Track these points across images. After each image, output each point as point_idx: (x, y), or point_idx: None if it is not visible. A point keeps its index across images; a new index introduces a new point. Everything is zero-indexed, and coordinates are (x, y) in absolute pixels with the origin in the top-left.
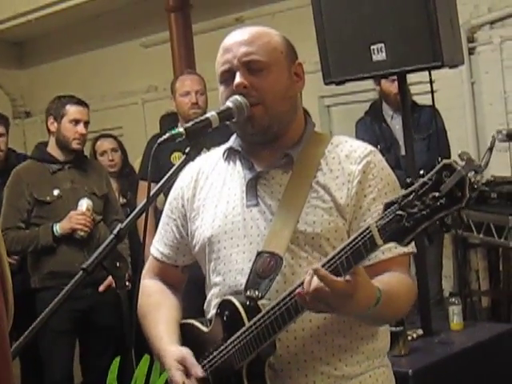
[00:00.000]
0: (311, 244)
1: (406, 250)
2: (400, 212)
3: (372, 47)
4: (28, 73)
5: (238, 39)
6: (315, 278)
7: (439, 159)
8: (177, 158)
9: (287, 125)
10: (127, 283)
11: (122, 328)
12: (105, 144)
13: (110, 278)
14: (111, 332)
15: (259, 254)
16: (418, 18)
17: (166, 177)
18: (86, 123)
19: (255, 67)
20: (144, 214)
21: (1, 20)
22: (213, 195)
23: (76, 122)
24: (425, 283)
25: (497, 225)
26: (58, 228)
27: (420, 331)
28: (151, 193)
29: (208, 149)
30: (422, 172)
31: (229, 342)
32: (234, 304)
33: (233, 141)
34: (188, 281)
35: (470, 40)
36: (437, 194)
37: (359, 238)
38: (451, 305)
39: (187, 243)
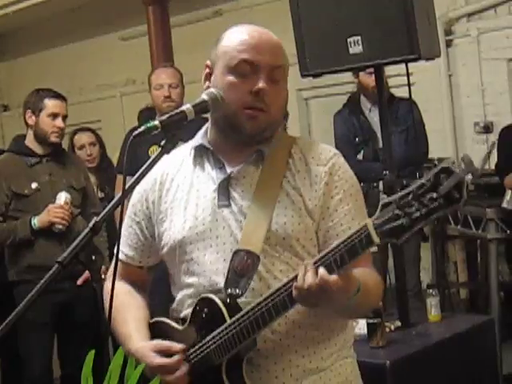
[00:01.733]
0: (282, 244)
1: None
2: (397, 211)
3: (349, 40)
4: (5, 66)
5: (266, 40)
6: (309, 274)
7: (436, 162)
8: (154, 151)
9: (274, 131)
10: (103, 276)
11: (99, 321)
12: (83, 138)
13: (87, 271)
14: (89, 325)
15: (236, 252)
16: (395, 10)
17: (141, 169)
18: (65, 117)
19: (276, 77)
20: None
21: None
22: (180, 197)
23: (54, 115)
24: (403, 275)
25: (474, 217)
26: (36, 221)
27: (398, 323)
28: (127, 185)
29: (184, 141)
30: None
31: (208, 338)
32: (214, 302)
33: (201, 138)
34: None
35: (448, 32)
36: (434, 195)
37: (355, 236)
38: (429, 296)
39: (152, 245)
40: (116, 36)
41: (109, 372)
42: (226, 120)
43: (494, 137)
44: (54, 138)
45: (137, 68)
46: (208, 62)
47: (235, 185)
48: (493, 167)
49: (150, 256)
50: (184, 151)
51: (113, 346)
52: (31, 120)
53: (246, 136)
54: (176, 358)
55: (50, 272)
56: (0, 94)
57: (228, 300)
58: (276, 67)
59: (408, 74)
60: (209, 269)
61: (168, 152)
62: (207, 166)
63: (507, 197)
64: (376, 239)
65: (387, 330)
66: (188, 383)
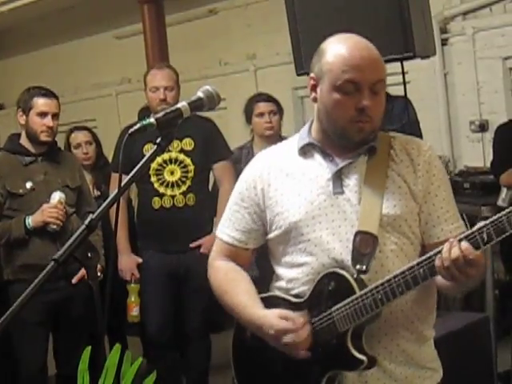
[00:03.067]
0: (392, 225)
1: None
2: None
3: None
4: (1, 64)
5: (367, 57)
6: (455, 248)
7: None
8: (149, 149)
9: (377, 132)
10: (99, 274)
11: (95, 319)
12: (79, 136)
13: (82, 270)
14: (84, 323)
15: (356, 234)
16: (390, 9)
17: (137, 167)
18: (55, 115)
19: (376, 90)
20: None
21: None
22: (292, 185)
23: (43, 114)
24: None
25: (470, 215)
26: (31, 221)
27: None
28: (122, 183)
29: (179, 139)
30: None
31: (334, 308)
32: (342, 276)
33: (306, 136)
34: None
35: (443, 31)
36: None
37: (504, 217)
38: None
39: (259, 228)
40: (111, 35)
41: (105, 369)
42: (336, 131)
43: (489, 135)
44: (44, 137)
45: (132, 67)
46: (313, 75)
47: (348, 174)
48: (488, 165)
49: (256, 238)
50: (289, 145)
51: (109, 344)
52: (22, 119)
53: (355, 144)
54: (301, 320)
55: (46, 269)
56: None
57: (355, 275)
58: (377, 82)
59: (403, 72)
60: (326, 248)
61: (163, 150)
62: (318, 157)
63: (502, 195)
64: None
65: None
66: (309, 348)
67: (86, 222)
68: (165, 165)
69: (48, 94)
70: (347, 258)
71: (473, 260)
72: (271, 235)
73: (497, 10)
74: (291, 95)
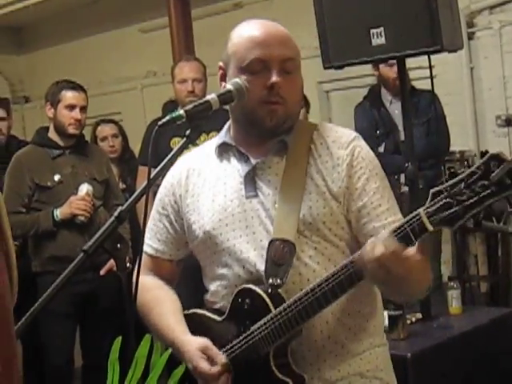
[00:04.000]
0: (310, 229)
1: None
2: (449, 200)
3: (372, 31)
4: (27, 58)
5: (273, 34)
6: (378, 245)
7: (458, 155)
8: (176, 143)
9: (295, 120)
10: (128, 265)
11: (124, 310)
12: (105, 129)
13: (110, 261)
14: (112, 315)
15: (271, 242)
16: (418, 2)
17: (166, 160)
18: (83, 108)
19: (288, 69)
20: (144, 198)
21: None
22: (208, 190)
23: (71, 107)
24: None
25: (497, 209)
26: (59, 213)
27: (419, 315)
28: (151, 176)
29: (206, 132)
30: (466, 163)
31: (253, 329)
32: (255, 292)
33: (224, 135)
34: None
35: (470, 25)
36: (486, 183)
37: (407, 225)
38: (450, 289)
39: (181, 238)
40: (136, 28)
41: (135, 359)
42: (246, 117)
43: None
44: (72, 130)
45: (157, 60)
46: (221, 64)
47: (261, 175)
48: None
49: (180, 249)
50: (209, 147)
51: (136, 335)
52: (50, 112)
53: (267, 130)
54: (217, 369)
55: (76, 260)
56: (21, 87)
57: (270, 290)
58: (286, 59)
59: (430, 66)
60: (241, 258)
61: (193, 142)
62: (233, 159)
63: None
64: (430, 227)
65: (408, 322)
66: (233, 375)
67: (116, 213)
68: None
69: (76, 87)
70: (262, 268)
71: (399, 257)
72: (191, 245)
73: None
74: (316, 89)
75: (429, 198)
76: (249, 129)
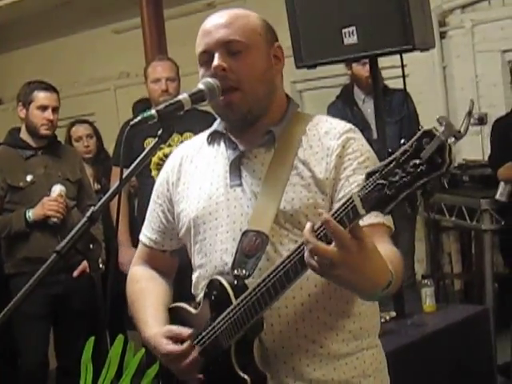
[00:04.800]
0: (291, 221)
1: (385, 221)
2: (381, 181)
3: (343, 31)
4: None
5: (216, 22)
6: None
7: (420, 127)
8: (150, 143)
9: (266, 107)
10: (101, 266)
11: (96, 310)
12: (80, 130)
13: (83, 263)
14: (86, 316)
15: (244, 233)
16: (390, 1)
17: (138, 160)
18: (55, 109)
19: (234, 49)
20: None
21: None
22: (197, 178)
23: (44, 108)
24: None
25: (469, 208)
26: (31, 214)
27: (393, 313)
28: (123, 176)
29: (180, 133)
30: (402, 141)
31: (216, 321)
32: (221, 283)
33: (217, 124)
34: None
35: (442, 24)
36: (417, 161)
37: (342, 209)
38: (424, 287)
39: (174, 227)
40: (109, 29)
41: (108, 359)
42: (217, 114)
43: (488, 128)
44: (44, 131)
45: (130, 61)
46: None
47: (247, 164)
48: (487, 158)
49: (173, 239)
50: (203, 137)
51: (110, 335)
52: (22, 113)
53: (233, 122)
54: (185, 344)
55: (48, 262)
56: None
57: (235, 281)
58: (228, 41)
59: (403, 65)
60: (219, 248)
61: (164, 142)
62: (222, 147)
63: (500, 189)
64: (362, 211)
65: (382, 320)
66: (201, 367)
67: (88, 214)
68: (166, 159)
69: (48, 87)
70: (231, 260)
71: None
72: (180, 234)
73: (495, 3)
74: (290, 89)
75: (363, 180)
76: (224, 121)
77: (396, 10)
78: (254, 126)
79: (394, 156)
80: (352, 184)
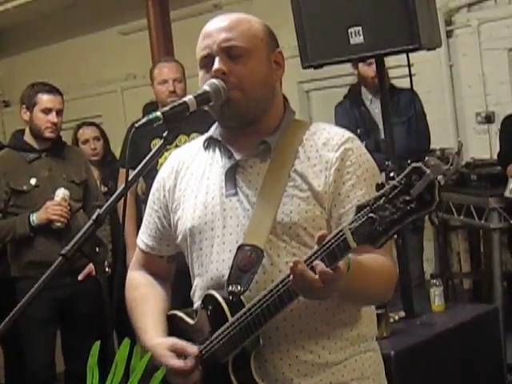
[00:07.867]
0: (289, 234)
1: None
2: (372, 215)
3: (349, 30)
4: (6, 62)
5: (218, 25)
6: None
7: (408, 162)
8: (156, 144)
9: (264, 111)
10: (107, 269)
11: (103, 314)
12: (87, 132)
13: (89, 266)
14: (92, 319)
15: (240, 247)
16: (396, 0)
17: (144, 161)
18: (59, 111)
19: (234, 53)
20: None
21: None
22: (193, 185)
23: (48, 110)
24: (406, 266)
25: (477, 207)
26: (35, 218)
27: (402, 313)
28: (129, 178)
29: (186, 134)
30: (392, 175)
31: (213, 336)
32: (216, 299)
33: (213, 130)
34: (176, 271)
35: (448, 23)
36: (407, 198)
37: (333, 240)
38: (432, 286)
39: (170, 233)
40: (116, 30)
41: (114, 363)
42: (215, 115)
43: (495, 127)
44: (48, 134)
45: (137, 62)
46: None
47: (242, 174)
48: (495, 157)
49: (170, 245)
50: (199, 142)
51: (117, 338)
52: (26, 115)
53: (231, 120)
54: (192, 361)
55: (54, 265)
56: (0, 91)
57: (230, 297)
58: (229, 46)
59: (409, 64)
60: (215, 260)
61: (170, 144)
62: (218, 154)
63: (510, 186)
64: (353, 244)
65: (391, 320)
66: (202, 379)
67: (94, 216)
68: None
69: (52, 90)
70: (227, 272)
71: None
72: (177, 241)
73: (502, 2)
74: (297, 89)
75: (354, 213)
76: (221, 125)
77: (402, 10)
78: (249, 131)
79: (383, 190)
80: (352, 200)
